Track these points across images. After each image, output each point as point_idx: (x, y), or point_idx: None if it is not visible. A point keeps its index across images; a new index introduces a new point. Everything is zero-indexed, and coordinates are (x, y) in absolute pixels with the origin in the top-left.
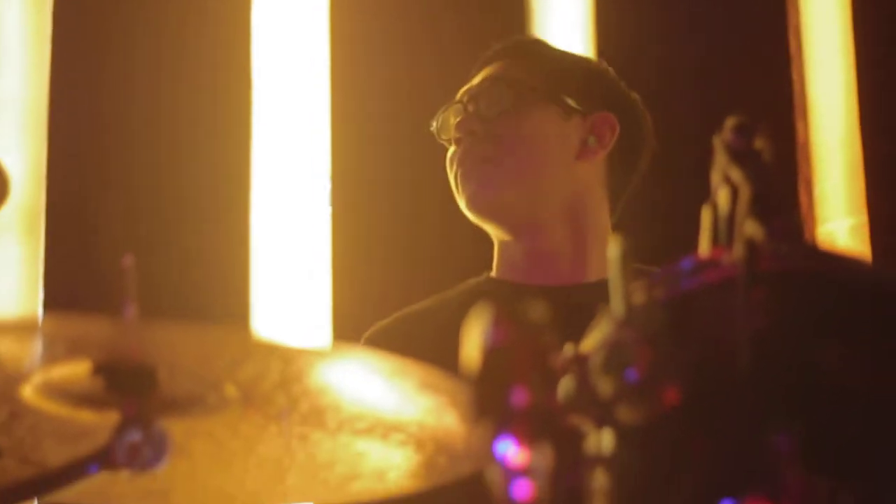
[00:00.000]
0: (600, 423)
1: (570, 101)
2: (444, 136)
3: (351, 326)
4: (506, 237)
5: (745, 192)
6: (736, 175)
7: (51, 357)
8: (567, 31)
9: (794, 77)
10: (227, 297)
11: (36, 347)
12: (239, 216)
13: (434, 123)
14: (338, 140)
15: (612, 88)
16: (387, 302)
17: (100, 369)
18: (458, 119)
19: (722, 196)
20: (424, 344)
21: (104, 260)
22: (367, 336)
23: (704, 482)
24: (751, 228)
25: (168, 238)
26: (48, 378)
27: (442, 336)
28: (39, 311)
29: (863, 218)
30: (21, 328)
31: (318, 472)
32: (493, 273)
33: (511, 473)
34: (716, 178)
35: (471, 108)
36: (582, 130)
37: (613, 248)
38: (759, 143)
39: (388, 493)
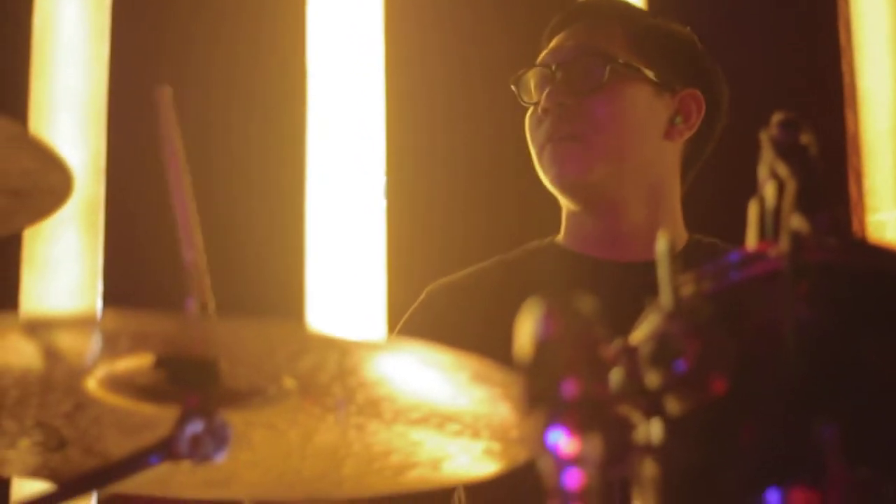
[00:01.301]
0: (649, 413)
1: (662, 77)
2: (525, 98)
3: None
4: (582, 210)
5: (791, 187)
6: (782, 170)
7: (114, 350)
8: None
9: (844, 68)
10: (283, 291)
11: (97, 341)
12: (294, 210)
13: (515, 83)
14: (392, 133)
15: (701, 62)
16: None
17: (162, 362)
18: (546, 88)
19: (769, 190)
20: (486, 304)
21: (162, 253)
22: (431, 289)
23: (750, 471)
24: (797, 222)
25: (225, 232)
26: (111, 371)
27: (504, 296)
28: (98, 303)
29: None
30: (82, 322)
31: (373, 461)
32: (561, 239)
33: (562, 463)
34: (762, 172)
35: (560, 76)
36: (670, 108)
37: (661, 242)
38: (806, 138)
39: (443, 481)
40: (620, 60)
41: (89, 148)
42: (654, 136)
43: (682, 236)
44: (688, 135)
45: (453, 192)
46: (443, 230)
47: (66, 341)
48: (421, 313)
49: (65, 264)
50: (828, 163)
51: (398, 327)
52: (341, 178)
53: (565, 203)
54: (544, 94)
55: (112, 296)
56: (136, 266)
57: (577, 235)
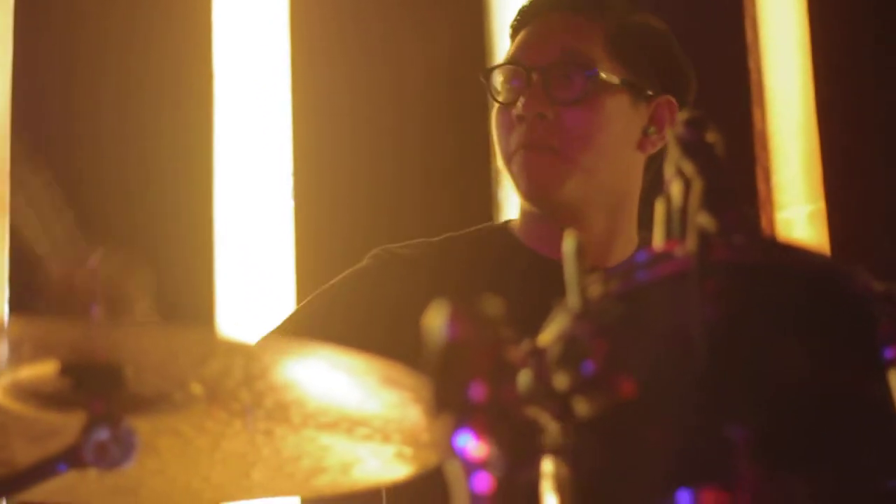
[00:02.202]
0: (558, 415)
1: (639, 85)
2: (495, 97)
3: None
4: (542, 215)
5: (697, 185)
6: (688, 168)
7: (18, 358)
8: None
9: (752, 66)
10: (192, 294)
11: (3, 349)
12: (202, 213)
13: (485, 78)
14: (299, 133)
15: (677, 64)
16: None
17: (67, 369)
18: (521, 90)
19: (675, 189)
20: (430, 278)
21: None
22: (375, 254)
23: (660, 473)
24: (703, 221)
25: (132, 235)
26: (16, 378)
27: (449, 273)
28: (5, 311)
29: (820, 205)
30: None
31: (283, 466)
32: (516, 230)
33: (470, 466)
34: (669, 171)
35: (536, 80)
36: (644, 118)
37: (567, 242)
38: (711, 137)
39: (353, 486)
40: (602, 74)
41: None
42: (628, 148)
43: (634, 240)
44: (660, 145)
45: (361, 193)
46: (351, 230)
47: None
48: (362, 276)
49: None
50: (736, 160)
51: (337, 281)
52: (248, 179)
53: (524, 203)
54: (520, 101)
55: (18, 301)
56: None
57: (533, 233)
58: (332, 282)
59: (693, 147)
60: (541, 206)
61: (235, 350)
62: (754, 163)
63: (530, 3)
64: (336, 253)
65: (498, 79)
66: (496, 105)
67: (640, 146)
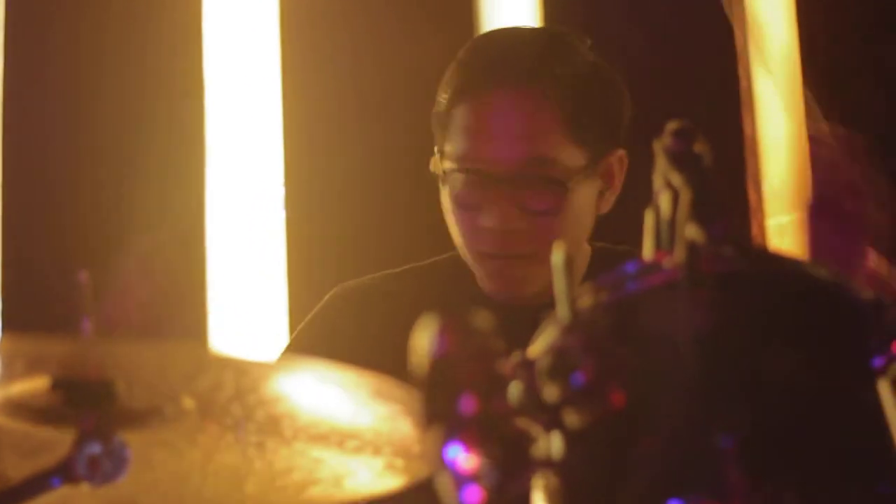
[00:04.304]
0: (548, 427)
1: (596, 157)
2: (458, 201)
3: None
4: None
5: (685, 196)
6: (676, 179)
7: (9, 374)
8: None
9: (741, 73)
10: (184, 304)
11: None
12: (194, 224)
13: (435, 169)
14: (290, 143)
15: (623, 114)
16: None
17: (58, 385)
18: (490, 202)
19: (664, 200)
20: (388, 311)
21: (58, 273)
22: (334, 293)
23: (651, 483)
24: (692, 232)
25: (122, 245)
26: (7, 394)
27: (408, 307)
28: None
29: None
30: None
31: (275, 479)
32: (482, 285)
33: (461, 479)
34: (657, 182)
35: (504, 191)
36: (599, 183)
37: (557, 256)
38: (699, 147)
39: (345, 498)
40: (569, 182)
41: None
42: (590, 218)
43: (586, 249)
44: (613, 198)
45: (353, 202)
46: (343, 239)
47: None
48: (321, 316)
49: None
50: (726, 167)
51: (299, 329)
52: (239, 190)
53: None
54: (490, 212)
55: (9, 317)
56: (33, 287)
57: (492, 279)
58: (296, 332)
59: (681, 158)
60: (503, 299)
61: (226, 365)
62: (744, 170)
63: (471, 75)
64: (328, 259)
65: (456, 177)
66: (452, 200)
67: (599, 209)
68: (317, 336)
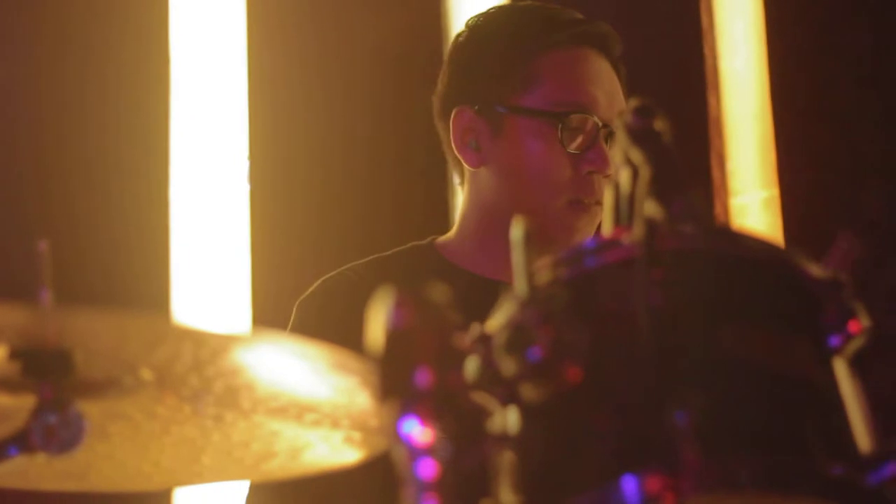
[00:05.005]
0: (505, 401)
1: None
2: (566, 143)
3: (271, 304)
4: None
5: (645, 173)
6: (636, 156)
7: None
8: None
9: (706, 51)
10: (147, 278)
11: None
12: (158, 197)
13: (562, 122)
14: (255, 116)
15: None
16: (305, 280)
17: (15, 354)
18: (595, 148)
19: (623, 176)
20: (360, 304)
21: (21, 244)
22: (299, 301)
23: (606, 458)
24: (651, 209)
25: (87, 221)
26: None
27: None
28: None
29: (775, 191)
30: None
31: (233, 451)
32: (448, 254)
33: (416, 452)
34: (617, 158)
35: (606, 139)
36: None
37: (516, 230)
38: (660, 124)
39: (303, 471)
40: None
41: None
42: None
43: None
44: None
45: (317, 176)
46: (306, 212)
47: None
48: (311, 312)
49: None
50: (690, 145)
51: (292, 326)
52: (204, 163)
53: (480, 220)
54: (603, 157)
55: None
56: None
57: (476, 253)
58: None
59: (641, 135)
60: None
61: (185, 335)
62: (709, 148)
63: (564, 28)
64: (292, 234)
65: (577, 129)
66: (550, 144)
67: None
68: (313, 331)
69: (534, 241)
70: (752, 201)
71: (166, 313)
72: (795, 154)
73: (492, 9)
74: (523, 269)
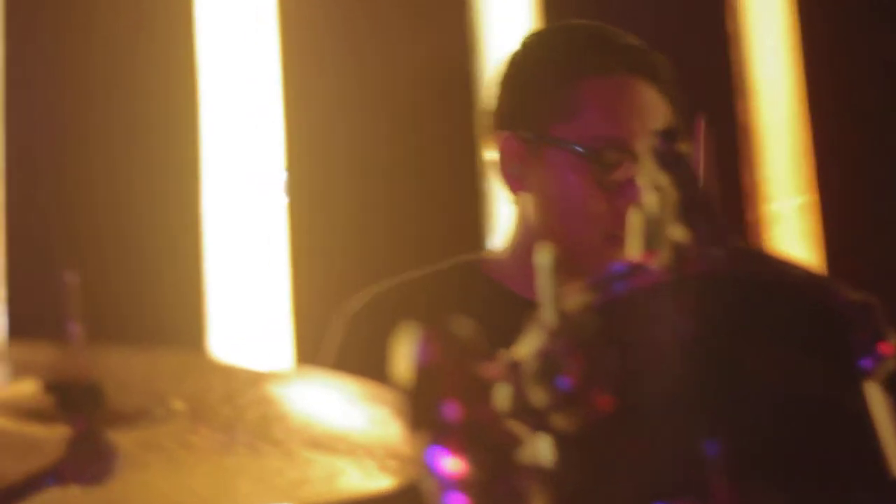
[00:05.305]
0: (535, 430)
1: None
2: (600, 172)
3: (313, 319)
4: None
5: (671, 197)
6: (662, 180)
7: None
8: (511, 27)
9: (733, 57)
10: (182, 299)
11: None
12: (190, 214)
13: (597, 156)
14: (291, 125)
15: None
16: (348, 293)
17: (49, 387)
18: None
19: (650, 200)
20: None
21: (50, 274)
22: (362, 310)
23: (636, 488)
24: (678, 233)
25: (116, 246)
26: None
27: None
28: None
29: (810, 196)
30: None
31: (267, 477)
32: (496, 274)
33: (446, 484)
34: (642, 182)
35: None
36: None
37: (542, 257)
38: (684, 147)
39: (338, 497)
40: None
41: None
42: None
43: None
44: None
45: (357, 192)
46: (348, 229)
47: None
48: (362, 326)
49: None
50: (719, 152)
51: (337, 344)
52: (238, 176)
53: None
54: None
55: (14, 320)
56: (35, 288)
57: (525, 275)
58: (330, 346)
59: (667, 159)
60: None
61: (216, 370)
62: (738, 155)
63: (598, 59)
64: (333, 251)
65: (609, 154)
66: (585, 177)
67: None
68: (365, 347)
69: (561, 268)
70: (787, 207)
71: (197, 348)
72: (830, 158)
73: (544, 29)
74: (551, 297)
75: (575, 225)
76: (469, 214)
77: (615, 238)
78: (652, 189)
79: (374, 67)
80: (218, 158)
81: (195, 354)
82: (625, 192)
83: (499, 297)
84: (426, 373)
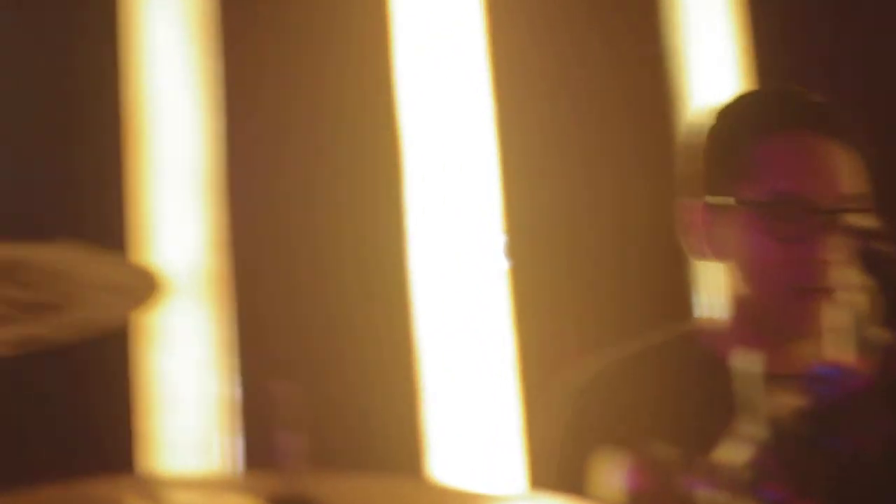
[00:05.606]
0: None
1: None
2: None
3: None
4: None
5: (879, 300)
6: (870, 282)
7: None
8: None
9: None
10: (399, 418)
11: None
12: (399, 299)
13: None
14: (508, 186)
15: None
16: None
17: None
18: (814, 234)
19: (856, 302)
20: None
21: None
22: (589, 384)
23: None
24: (886, 335)
25: (332, 353)
26: None
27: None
28: (237, 382)
29: None
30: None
31: None
32: (712, 343)
33: None
34: (846, 282)
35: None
36: None
37: (743, 363)
38: (890, 248)
39: None
40: None
41: (210, 222)
42: None
43: None
44: None
45: (583, 248)
46: (576, 293)
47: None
48: (563, 439)
49: (195, 342)
50: None
51: (563, 433)
52: (450, 242)
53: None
54: (816, 242)
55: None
56: (270, 338)
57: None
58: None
59: (872, 260)
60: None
61: (442, 497)
62: None
63: (780, 118)
64: (559, 319)
65: (778, 210)
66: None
67: None
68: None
69: (761, 330)
70: None
71: (421, 474)
72: None
73: (736, 96)
74: (758, 404)
75: (760, 283)
76: (673, 277)
77: (800, 291)
78: (858, 290)
79: (589, 128)
80: (426, 214)
81: (419, 483)
82: (802, 245)
83: (715, 371)
84: (634, 499)
